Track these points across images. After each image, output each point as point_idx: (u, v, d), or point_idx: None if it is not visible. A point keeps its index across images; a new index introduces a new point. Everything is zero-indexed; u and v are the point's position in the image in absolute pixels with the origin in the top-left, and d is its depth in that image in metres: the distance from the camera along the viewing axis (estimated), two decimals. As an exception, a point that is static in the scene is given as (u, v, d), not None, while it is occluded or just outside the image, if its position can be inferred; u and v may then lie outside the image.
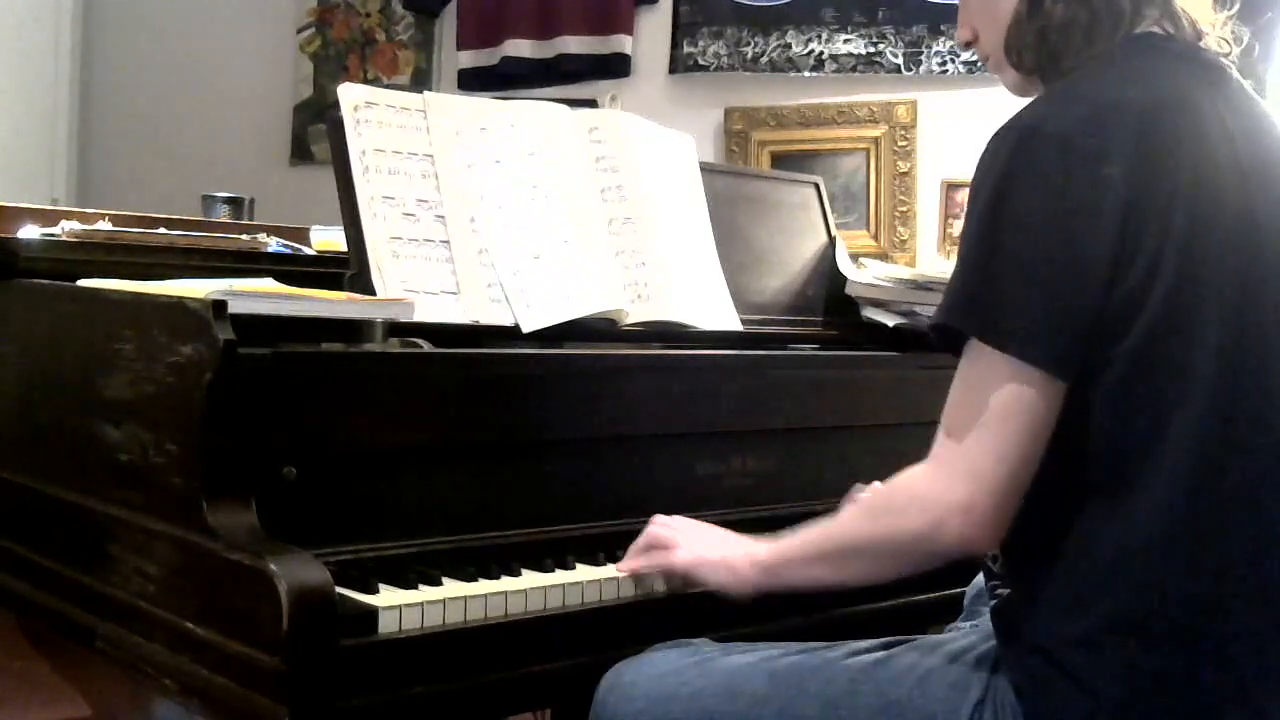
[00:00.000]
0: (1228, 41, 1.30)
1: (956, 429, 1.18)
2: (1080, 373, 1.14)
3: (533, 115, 1.77)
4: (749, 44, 3.66)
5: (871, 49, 3.54)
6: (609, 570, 1.43)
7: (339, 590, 1.21)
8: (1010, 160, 1.16)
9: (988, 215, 1.16)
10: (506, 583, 1.35)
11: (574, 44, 3.91)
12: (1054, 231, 1.13)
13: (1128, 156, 1.14)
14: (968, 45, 1.39)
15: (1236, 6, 1.33)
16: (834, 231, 2.16)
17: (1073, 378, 1.14)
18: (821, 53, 3.59)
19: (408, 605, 1.24)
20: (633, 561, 1.44)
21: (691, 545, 1.42)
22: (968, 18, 1.38)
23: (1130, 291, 1.13)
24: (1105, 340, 1.13)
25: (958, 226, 3.21)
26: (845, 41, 3.56)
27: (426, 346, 1.50)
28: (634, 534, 1.48)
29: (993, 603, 1.26)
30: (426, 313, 1.54)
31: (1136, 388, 1.14)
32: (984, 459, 1.16)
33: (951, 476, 1.17)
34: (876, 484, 1.47)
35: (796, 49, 3.61)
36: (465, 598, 1.28)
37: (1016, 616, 1.20)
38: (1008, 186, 1.15)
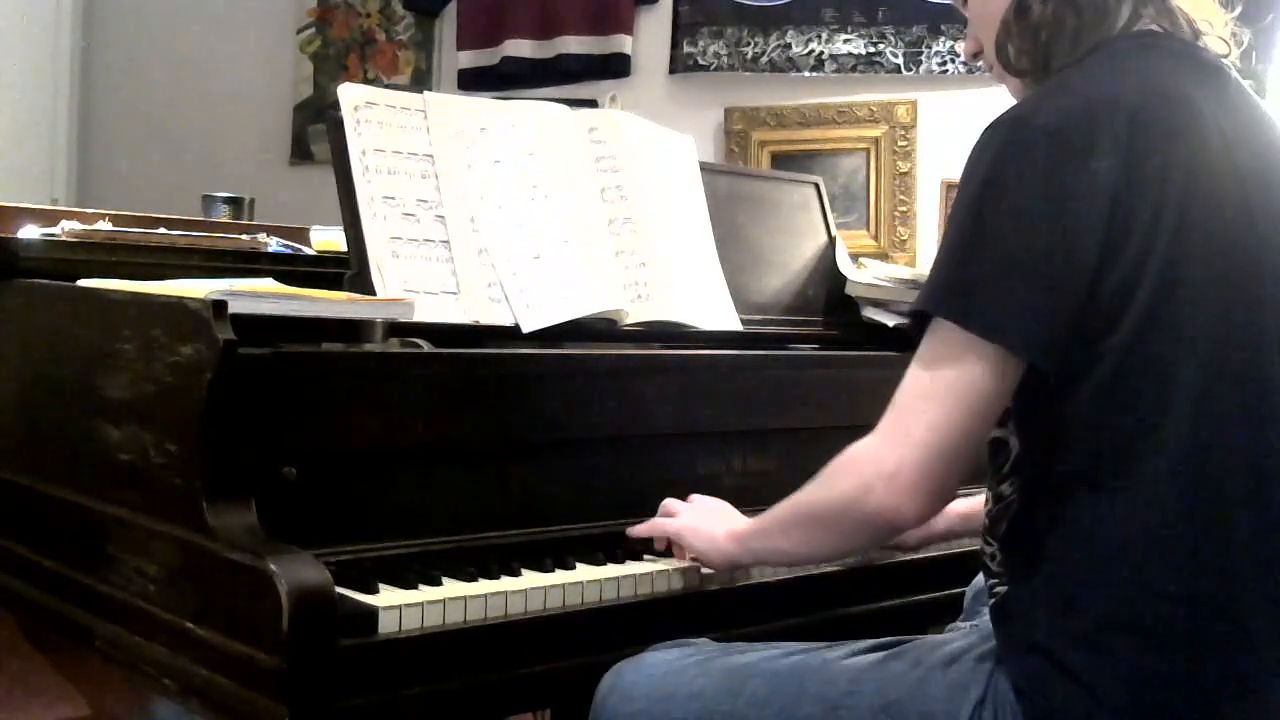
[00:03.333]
0: (1228, 42, 1.30)
1: (902, 400, 1.20)
2: (1071, 368, 1.14)
3: (533, 115, 1.77)
4: (749, 44, 3.66)
5: (871, 49, 3.54)
6: (609, 570, 1.43)
7: (339, 590, 1.21)
8: (1000, 152, 1.16)
9: (975, 206, 1.16)
10: (506, 583, 1.34)
11: (574, 44, 3.91)
12: (1040, 223, 1.13)
13: (1118, 151, 1.13)
14: (975, 56, 1.40)
15: (1239, 9, 1.33)
16: (834, 231, 2.16)
17: (1037, 358, 1.14)
18: (821, 53, 3.59)
19: (408, 605, 1.24)
20: (636, 527, 1.52)
21: (687, 516, 1.50)
22: (973, 29, 1.39)
23: (1118, 285, 1.12)
24: (1095, 334, 1.13)
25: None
26: (845, 41, 3.56)
27: (426, 346, 1.50)
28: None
29: (991, 601, 1.26)
30: (426, 313, 1.54)
31: (1127, 382, 1.14)
32: (919, 428, 1.17)
33: (884, 444, 1.19)
34: None
35: (796, 49, 3.61)
36: (465, 598, 1.28)
37: (1015, 615, 1.20)
38: (996, 178, 1.15)
